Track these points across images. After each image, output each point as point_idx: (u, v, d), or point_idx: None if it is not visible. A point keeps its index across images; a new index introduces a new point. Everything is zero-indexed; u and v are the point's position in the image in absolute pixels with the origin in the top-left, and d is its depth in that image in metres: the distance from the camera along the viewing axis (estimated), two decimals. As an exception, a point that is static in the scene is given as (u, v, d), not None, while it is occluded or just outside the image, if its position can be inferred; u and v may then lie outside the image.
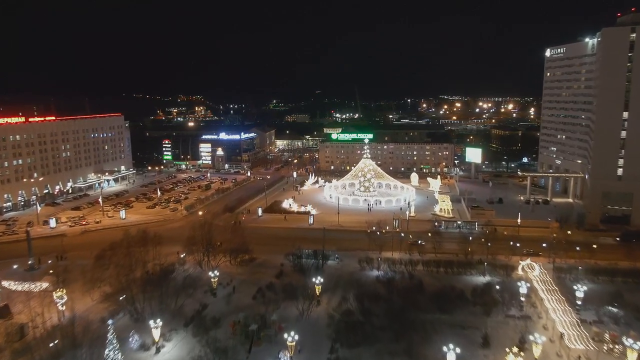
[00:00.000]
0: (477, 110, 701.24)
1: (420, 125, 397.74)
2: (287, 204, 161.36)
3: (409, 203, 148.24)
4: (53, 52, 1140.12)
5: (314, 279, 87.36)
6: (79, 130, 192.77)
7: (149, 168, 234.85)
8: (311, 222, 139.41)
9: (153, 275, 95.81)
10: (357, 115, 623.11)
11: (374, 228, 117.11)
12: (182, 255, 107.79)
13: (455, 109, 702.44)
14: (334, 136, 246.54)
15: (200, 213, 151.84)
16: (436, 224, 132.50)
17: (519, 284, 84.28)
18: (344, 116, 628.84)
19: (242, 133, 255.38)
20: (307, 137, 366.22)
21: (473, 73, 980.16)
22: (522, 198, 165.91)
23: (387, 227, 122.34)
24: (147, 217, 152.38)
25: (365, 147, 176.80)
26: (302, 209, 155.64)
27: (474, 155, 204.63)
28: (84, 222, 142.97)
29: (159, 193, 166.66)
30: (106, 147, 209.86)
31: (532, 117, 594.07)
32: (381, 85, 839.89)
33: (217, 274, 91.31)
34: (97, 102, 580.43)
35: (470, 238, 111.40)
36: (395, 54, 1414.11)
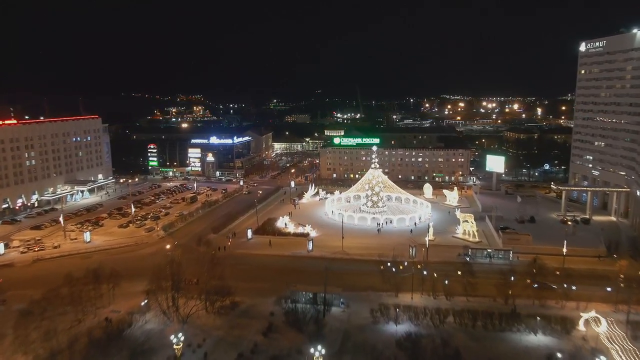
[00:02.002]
0: (482, 110, 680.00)
1: (430, 128, 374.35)
2: (283, 222, 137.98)
3: (428, 225, 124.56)
4: (52, 51, 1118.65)
5: (312, 350, 63.77)
6: (46, 136, 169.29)
7: (121, 181, 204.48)
8: (310, 248, 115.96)
9: (102, 333, 72.80)
10: (358, 115, 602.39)
11: (389, 264, 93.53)
12: (142, 303, 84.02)
13: (459, 109, 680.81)
14: (336, 141, 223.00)
15: (175, 238, 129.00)
16: (467, 258, 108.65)
17: (597, 360, 60.80)
18: (345, 116, 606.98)
19: (236, 137, 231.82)
20: (307, 139, 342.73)
21: (473, 73, 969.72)
22: (557, 216, 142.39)
23: (405, 263, 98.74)
24: (117, 239, 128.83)
25: (373, 156, 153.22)
26: (300, 229, 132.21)
27: (495, 163, 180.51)
28: (36, 248, 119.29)
29: (132, 209, 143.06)
30: (80, 154, 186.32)
31: (539, 117, 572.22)
32: (381, 85, 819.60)
33: (182, 338, 67.71)
34: (94, 101, 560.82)
35: (512, 278, 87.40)
36: (395, 54, 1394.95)
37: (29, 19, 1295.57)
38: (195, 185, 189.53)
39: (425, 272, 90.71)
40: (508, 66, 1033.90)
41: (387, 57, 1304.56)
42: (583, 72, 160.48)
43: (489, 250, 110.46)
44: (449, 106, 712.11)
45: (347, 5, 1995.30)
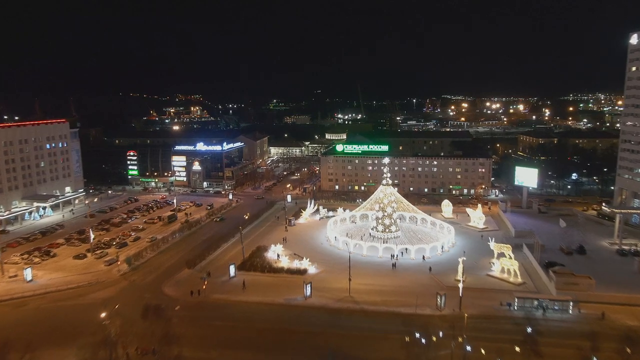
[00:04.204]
0: (486, 111, 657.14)
1: (442, 132, 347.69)
2: (275, 252, 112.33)
3: (460, 260, 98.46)
4: (48, 51, 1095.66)
5: None
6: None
7: (77, 202, 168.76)
8: (308, 293, 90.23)
9: None
10: (359, 115, 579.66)
11: (417, 335, 67.80)
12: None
13: (462, 110, 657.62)
14: (339, 148, 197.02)
15: (138, 275, 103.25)
16: (513, 308, 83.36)
17: None
18: (346, 117, 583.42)
19: (226, 143, 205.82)
20: (306, 143, 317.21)
21: (472, 73, 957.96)
22: (610, 245, 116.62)
23: (440, 333, 72.80)
24: (67, 276, 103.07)
25: (385, 170, 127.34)
26: (295, 263, 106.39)
27: (526, 176, 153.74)
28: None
29: (91, 235, 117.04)
30: (43, 164, 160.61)
31: (546, 118, 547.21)
32: (381, 84, 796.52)
33: None
34: (90, 102, 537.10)
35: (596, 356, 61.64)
36: (394, 53, 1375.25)
37: (27, 18, 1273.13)
38: (175, 200, 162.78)
39: (469, 348, 64.98)
40: (508, 66, 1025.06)
41: (386, 56, 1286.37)
42: (634, 69, 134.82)
43: (541, 299, 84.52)
44: (452, 107, 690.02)
45: (347, 5, 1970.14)
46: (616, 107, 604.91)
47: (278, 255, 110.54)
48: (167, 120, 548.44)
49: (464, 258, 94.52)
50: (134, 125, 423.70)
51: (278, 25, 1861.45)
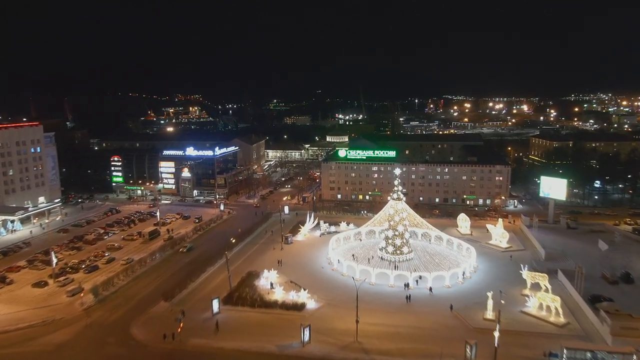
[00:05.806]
0: (488, 111, 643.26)
1: (452, 135, 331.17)
2: (268, 280, 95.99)
3: (489, 294, 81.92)
4: (49, 50, 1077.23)
5: None
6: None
7: (61, 211, 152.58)
8: (306, 338, 73.71)
9: None
10: (361, 116, 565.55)
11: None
12: None
13: (465, 110, 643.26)
14: (341, 153, 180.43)
15: (105, 310, 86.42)
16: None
17: None
18: (347, 117, 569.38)
19: (218, 148, 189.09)
20: (306, 146, 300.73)
21: (472, 73, 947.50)
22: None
23: None
24: (20, 310, 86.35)
25: (396, 182, 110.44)
26: (291, 295, 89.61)
27: (555, 188, 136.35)
28: None
29: (54, 259, 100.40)
30: (11, 172, 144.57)
31: (551, 119, 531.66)
32: (382, 84, 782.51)
33: None
34: (90, 101, 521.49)
35: None
36: (394, 53, 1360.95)
37: (27, 18, 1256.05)
38: (158, 212, 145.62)
39: None
40: (507, 67, 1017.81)
41: (386, 56, 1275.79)
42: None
43: (596, 351, 67.87)
44: (455, 107, 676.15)
45: (346, 5, 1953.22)
46: (621, 108, 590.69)
47: (272, 284, 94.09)
48: (162, 122, 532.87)
49: (502, 301, 77.53)
50: (131, 127, 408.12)
51: (278, 25, 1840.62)
